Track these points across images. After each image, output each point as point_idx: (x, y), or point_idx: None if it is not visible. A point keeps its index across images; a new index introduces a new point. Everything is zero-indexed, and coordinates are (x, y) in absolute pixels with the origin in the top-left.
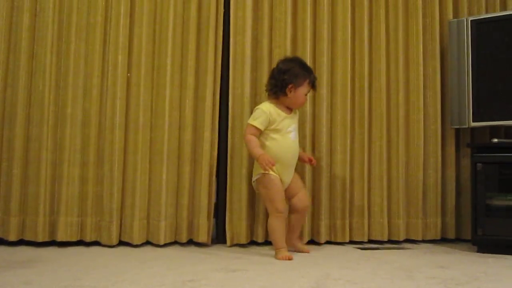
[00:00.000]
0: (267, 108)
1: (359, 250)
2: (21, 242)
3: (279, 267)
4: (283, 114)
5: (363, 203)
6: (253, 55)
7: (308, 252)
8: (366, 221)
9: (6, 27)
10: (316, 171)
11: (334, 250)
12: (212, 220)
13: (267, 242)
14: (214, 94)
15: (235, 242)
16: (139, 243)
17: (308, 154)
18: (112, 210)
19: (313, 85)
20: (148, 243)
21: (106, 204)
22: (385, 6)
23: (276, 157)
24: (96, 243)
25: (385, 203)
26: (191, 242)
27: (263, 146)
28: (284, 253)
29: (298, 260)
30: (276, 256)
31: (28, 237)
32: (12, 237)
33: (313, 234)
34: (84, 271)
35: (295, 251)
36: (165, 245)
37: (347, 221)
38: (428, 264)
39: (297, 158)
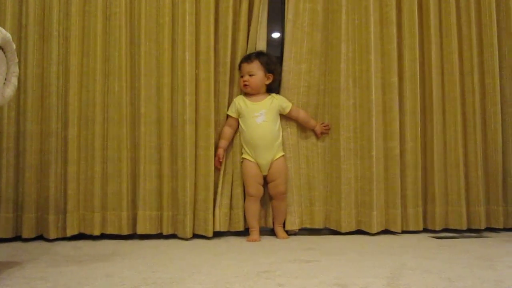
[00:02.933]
0: (236, 99)
1: (435, 239)
2: (102, 237)
3: (352, 257)
4: (249, 102)
5: (439, 191)
6: (308, 49)
7: (286, 238)
8: (441, 209)
9: (79, 32)
10: (389, 160)
11: (408, 239)
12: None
13: (347, 232)
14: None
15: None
16: (213, 235)
17: (317, 126)
18: (186, 204)
19: (239, 67)
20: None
21: (181, 198)
22: None
23: (246, 140)
24: (173, 236)
25: (462, 190)
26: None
27: (240, 132)
28: (252, 235)
29: (371, 249)
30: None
31: (110, 231)
32: (96, 232)
33: (386, 223)
34: (161, 263)
35: (276, 236)
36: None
37: (421, 209)
38: (511, 253)
39: (269, 138)
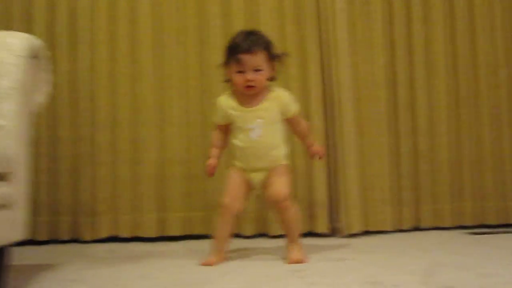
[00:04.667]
0: (221, 101)
1: (469, 235)
2: (133, 239)
3: (384, 255)
4: (238, 107)
5: (472, 186)
6: (351, 40)
7: (301, 263)
8: (476, 205)
9: (106, 37)
10: (419, 154)
11: (441, 235)
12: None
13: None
14: (316, 84)
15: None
16: (251, 234)
17: (315, 146)
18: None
19: (237, 59)
20: (260, 235)
21: (212, 199)
22: None
23: (238, 154)
24: (205, 236)
25: (499, 185)
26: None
27: (231, 140)
28: (210, 257)
29: (403, 247)
30: None
31: (140, 233)
32: (126, 234)
33: (416, 219)
34: (193, 264)
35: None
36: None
37: (454, 205)
38: None
39: (267, 155)
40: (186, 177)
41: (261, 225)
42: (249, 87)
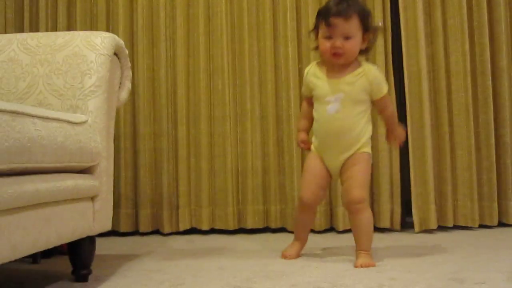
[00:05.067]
0: (307, 69)
1: None
2: (212, 231)
3: (468, 252)
4: (323, 76)
5: None
6: (426, 29)
7: (368, 267)
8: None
9: (184, 34)
10: (501, 147)
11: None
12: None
13: (457, 227)
14: (387, 73)
15: (422, 227)
16: (321, 229)
17: (398, 129)
18: (294, 197)
19: (327, 23)
20: (331, 229)
21: (289, 193)
22: None
23: (316, 131)
24: (281, 230)
25: None
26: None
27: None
28: (289, 248)
29: (488, 243)
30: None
31: (218, 226)
32: (205, 227)
33: (501, 215)
34: (272, 256)
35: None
36: (345, 231)
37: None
38: None
39: (346, 137)
40: (262, 170)
41: (329, 220)
42: (336, 54)
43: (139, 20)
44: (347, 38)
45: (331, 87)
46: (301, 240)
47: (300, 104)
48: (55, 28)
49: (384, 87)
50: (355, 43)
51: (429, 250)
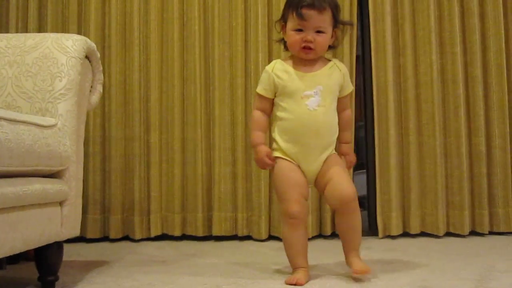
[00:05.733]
0: (271, 66)
1: None
2: (182, 237)
3: (435, 260)
4: (294, 71)
5: None
6: (395, 41)
7: (367, 273)
8: None
9: (158, 39)
10: (474, 157)
11: (497, 240)
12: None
13: (423, 234)
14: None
15: (386, 233)
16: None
17: (350, 153)
18: (261, 205)
19: (298, 14)
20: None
21: (255, 200)
22: None
23: (288, 134)
24: (248, 237)
25: None
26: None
27: (275, 118)
28: (297, 274)
29: (458, 251)
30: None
31: (189, 232)
32: (176, 233)
33: (473, 224)
34: (241, 263)
35: (352, 271)
36: (313, 237)
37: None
38: None
39: (327, 134)
40: (232, 177)
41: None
42: (306, 48)
43: (112, 23)
44: (318, 32)
45: (306, 81)
46: (303, 270)
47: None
48: (25, 30)
49: (351, 84)
50: (327, 37)
51: (397, 257)
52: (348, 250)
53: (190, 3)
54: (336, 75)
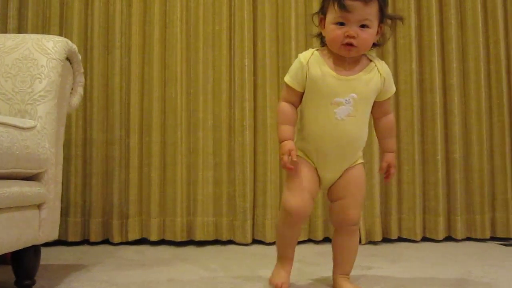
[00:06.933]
0: (305, 57)
1: (503, 247)
2: (162, 242)
3: (415, 265)
4: (330, 72)
5: (507, 197)
6: (376, 49)
7: None
8: (510, 216)
9: (139, 41)
10: (450, 163)
11: (473, 247)
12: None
13: (401, 239)
14: None
15: (369, 240)
16: (272, 241)
17: (388, 164)
18: (245, 209)
19: (341, 5)
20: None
21: (240, 204)
22: None
23: (309, 140)
24: (231, 242)
25: None
26: (309, 240)
27: (302, 117)
28: (277, 275)
29: (435, 257)
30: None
31: (168, 237)
32: (154, 237)
33: (449, 230)
34: (221, 269)
35: None
36: (300, 242)
37: (487, 216)
38: None
39: (353, 147)
40: (214, 181)
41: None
42: (349, 45)
43: (95, 25)
44: (363, 26)
45: (340, 85)
46: (289, 260)
47: (247, 113)
48: (4, 30)
49: (393, 86)
50: (372, 33)
51: (376, 262)
52: (339, 272)
53: (172, 5)
54: (375, 80)
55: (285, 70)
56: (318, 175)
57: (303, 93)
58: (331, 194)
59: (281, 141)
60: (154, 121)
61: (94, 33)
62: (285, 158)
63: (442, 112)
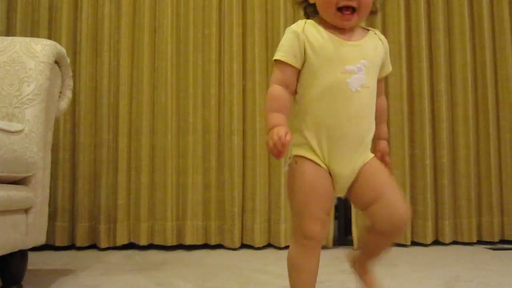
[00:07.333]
0: (300, 26)
1: (490, 250)
2: (150, 246)
3: (403, 269)
4: (334, 37)
5: (494, 201)
6: None
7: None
8: (497, 220)
9: (129, 44)
10: (438, 168)
11: (461, 250)
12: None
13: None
14: None
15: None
16: (261, 245)
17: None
18: (234, 214)
19: None
20: (269, 245)
21: (228, 209)
22: None
23: (318, 122)
24: (220, 246)
25: None
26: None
27: (301, 104)
28: None
29: (423, 261)
30: None
31: (157, 241)
32: (143, 242)
33: (436, 234)
34: (210, 273)
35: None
36: (286, 247)
37: (474, 220)
38: None
39: (370, 126)
40: (204, 185)
41: (269, 236)
42: (346, 14)
43: (83, 28)
44: None
45: (349, 51)
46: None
47: (240, 105)
48: None
49: (390, 64)
50: None
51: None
52: (366, 263)
53: (162, 9)
54: (380, 49)
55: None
56: (331, 180)
57: (299, 72)
58: (359, 199)
59: (271, 126)
60: (143, 125)
61: (83, 36)
62: (275, 137)
63: (430, 117)
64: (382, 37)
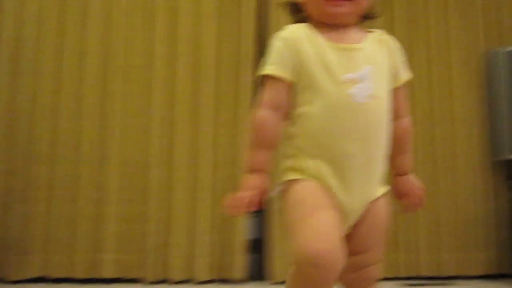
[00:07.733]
0: (292, 31)
1: (403, 286)
2: (64, 280)
3: None
4: (329, 43)
5: (405, 238)
6: None
7: None
8: (411, 256)
9: (53, 70)
10: None
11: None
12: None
13: None
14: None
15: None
16: (180, 279)
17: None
18: (158, 246)
19: None
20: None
21: (151, 242)
22: (425, 39)
23: (320, 145)
24: (136, 281)
25: (432, 237)
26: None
27: (292, 120)
28: None
29: None
30: None
31: (71, 274)
32: (56, 274)
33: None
34: None
35: None
36: (205, 282)
37: (389, 257)
38: None
39: (382, 143)
40: (122, 217)
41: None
42: (335, 5)
43: (5, 49)
44: None
45: (349, 56)
46: None
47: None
48: None
49: (407, 70)
50: None
51: None
52: None
53: (88, 35)
54: (387, 51)
55: (203, 107)
56: (337, 207)
57: (291, 87)
58: (349, 243)
59: (249, 171)
60: (62, 153)
61: (2, 57)
62: (246, 195)
63: None
64: (390, 37)
